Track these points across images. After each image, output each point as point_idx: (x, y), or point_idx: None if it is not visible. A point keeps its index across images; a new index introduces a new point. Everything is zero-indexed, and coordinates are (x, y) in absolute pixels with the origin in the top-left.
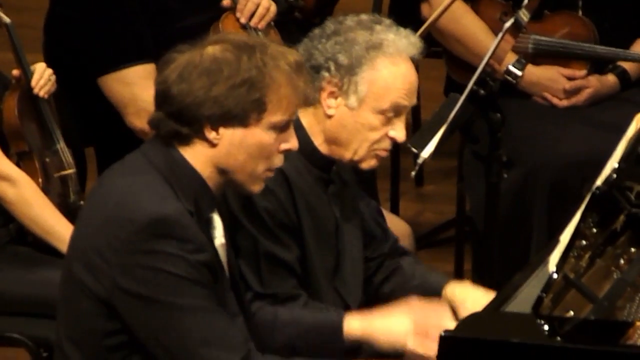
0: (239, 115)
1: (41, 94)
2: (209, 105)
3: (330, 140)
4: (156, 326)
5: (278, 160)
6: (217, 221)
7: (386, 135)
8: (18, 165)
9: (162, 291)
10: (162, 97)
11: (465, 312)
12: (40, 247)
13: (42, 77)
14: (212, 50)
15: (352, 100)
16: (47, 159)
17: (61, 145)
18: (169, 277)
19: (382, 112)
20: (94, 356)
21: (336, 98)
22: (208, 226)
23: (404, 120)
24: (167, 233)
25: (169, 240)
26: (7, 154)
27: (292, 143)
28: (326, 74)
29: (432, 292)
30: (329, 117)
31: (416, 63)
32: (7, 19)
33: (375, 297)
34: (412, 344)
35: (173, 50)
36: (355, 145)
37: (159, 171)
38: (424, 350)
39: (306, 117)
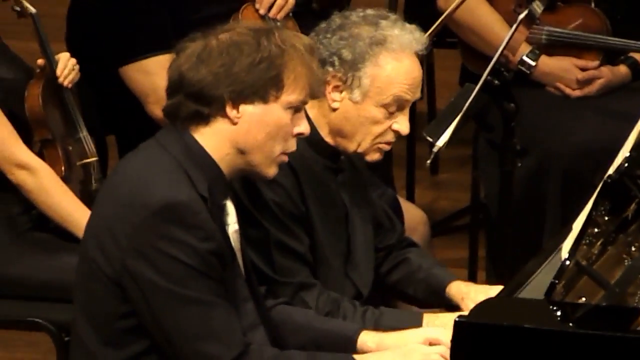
0: (259, 91)
1: (65, 83)
2: (230, 81)
3: (335, 132)
4: (159, 311)
5: (292, 144)
6: (231, 208)
7: (390, 128)
8: (41, 152)
9: (168, 278)
10: (179, 82)
11: (469, 302)
12: (61, 233)
13: (67, 67)
14: (228, 34)
15: (356, 94)
16: (70, 147)
17: (84, 134)
18: (177, 265)
19: (385, 105)
20: (108, 338)
21: (340, 92)
22: (221, 212)
23: (407, 113)
24: (179, 219)
25: (180, 227)
26: (30, 142)
27: (305, 127)
28: (330, 69)
29: (437, 286)
30: (334, 110)
31: (432, 54)
32: (32, 9)
33: (381, 286)
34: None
35: (186, 39)
36: (359, 138)
37: (174, 157)
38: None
39: (312, 110)
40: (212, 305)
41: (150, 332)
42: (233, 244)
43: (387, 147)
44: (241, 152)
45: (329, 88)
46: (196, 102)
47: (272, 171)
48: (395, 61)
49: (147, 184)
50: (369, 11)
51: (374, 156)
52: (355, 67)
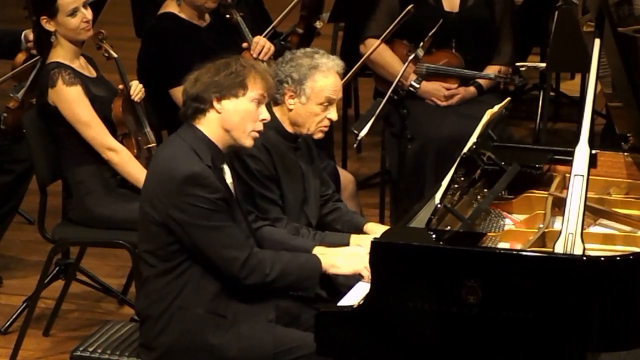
0: (232, 91)
1: (136, 99)
2: (214, 87)
3: (293, 123)
4: (195, 238)
5: (259, 125)
6: (227, 169)
7: (325, 117)
8: (121, 142)
9: (197, 217)
10: (185, 97)
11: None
12: (135, 189)
13: (137, 89)
14: (210, 66)
15: (303, 98)
16: (140, 137)
17: (147, 129)
18: (200, 209)
19: (321, 104)
20: (163, 258)
21: (293, 98)
22: (221, 172)
23: (335, 107)
24: (197, 182)
25: (199, 187)
26: (115, 135)
27: (266, 115)
28: (286, 85)
29: (358, 225)
30: (290, 110)
31: (357, 80)
32: (115, 55)
33: (322, 223)
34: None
35: (189, 74)
36: (308, 125)
37: (188, 144)
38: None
39: (278, 112)
40: (226, 227)
41: (191, 251)
42: (231, 189)
43: (325, 129)
44: (227, 130)
45: (286, 97)
46: (196, 102)
47: (249, 143)
48: (324, 77)
49: (174, 162)
50: (308, 49)
51: (318, 135)
52: (301, 83)
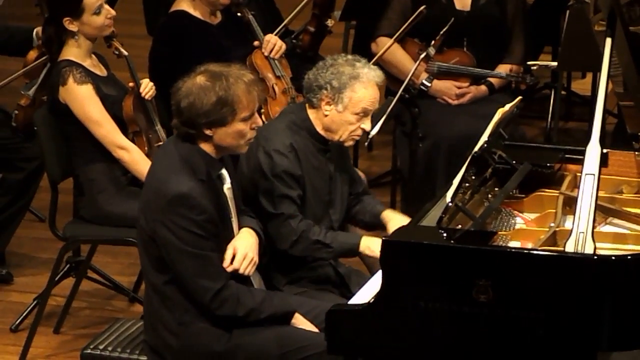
0: (221, 120)
1: (147, 97)
2: (202, 117)
3: (326, 129)
4: (173, 259)
5: (251, 134)
6: (225, 174)
7: (359, 127)
8: (133, 140)
9: (179, 239)
10: (176, 109)
11: (392, 226)
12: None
13: (147, 87)
14: (199, 79)
15: (340, 107)
16: (150, 135)
17: (158, 127)
18: (184, 231)
19: (356, 113)
20: (155, 266)
21: (330, 105)
22: (218, 179)
23: (370, 118)
24: (183, 203)
25: (185, 208)
26: (126, 133)
27: (258, 122)
28: (325, 91)
29: (376, 214)
30: (326, 116)
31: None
32: (125, 52)
33: (348, 216)
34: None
35: (180, 80)
36: (340, 133)
37: (181, 156)
38: None
39: (312, 115)
40: (206, 257)
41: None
42: (228, 197)
43: (357, 137)
44: (219, 147)
45: (323, 103)
46: (186, 126)
47: (244, 149)
48: (364, 88)
49: (165, 178)
50: (349, 56)
51: (349, 143)
52: (340, 91)
